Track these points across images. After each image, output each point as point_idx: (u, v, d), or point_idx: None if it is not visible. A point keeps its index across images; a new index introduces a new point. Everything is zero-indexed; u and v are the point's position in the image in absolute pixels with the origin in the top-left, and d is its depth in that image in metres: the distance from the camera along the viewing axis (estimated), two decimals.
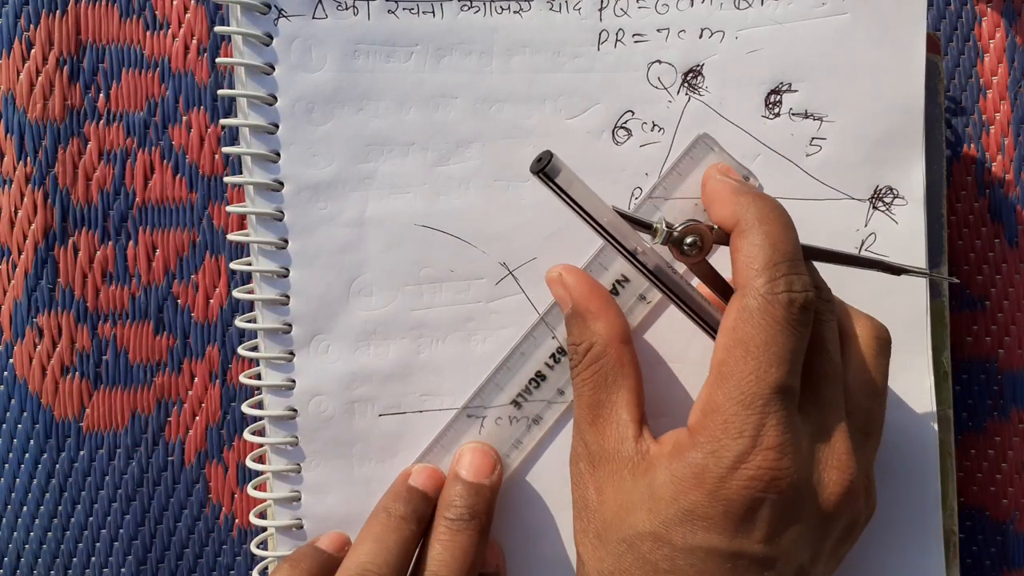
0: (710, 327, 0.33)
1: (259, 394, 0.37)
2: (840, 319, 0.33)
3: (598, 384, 0.33)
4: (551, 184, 0.31)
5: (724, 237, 0.32)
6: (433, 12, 0.36)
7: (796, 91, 0.37)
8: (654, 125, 0.37)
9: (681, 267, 0.34)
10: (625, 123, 0.37)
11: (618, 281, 0.36)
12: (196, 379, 0.42)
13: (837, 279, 0.36)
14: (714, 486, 0.29)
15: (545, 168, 0.30)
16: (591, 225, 0.32)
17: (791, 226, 0.31)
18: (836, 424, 0.31)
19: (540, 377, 0.36)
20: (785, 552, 0.29)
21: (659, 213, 0.36)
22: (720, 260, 0.33)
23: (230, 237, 0.37)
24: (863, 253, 0.37)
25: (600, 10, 0.37)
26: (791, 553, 0.29)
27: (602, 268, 0.36)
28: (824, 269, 0.36)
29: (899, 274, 0.35)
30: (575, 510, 0.33)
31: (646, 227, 0.32)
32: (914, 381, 0.37)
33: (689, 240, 0.32)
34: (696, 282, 0.34)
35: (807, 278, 0.30)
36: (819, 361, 0.31)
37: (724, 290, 0.33)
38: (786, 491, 0.29)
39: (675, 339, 0.36)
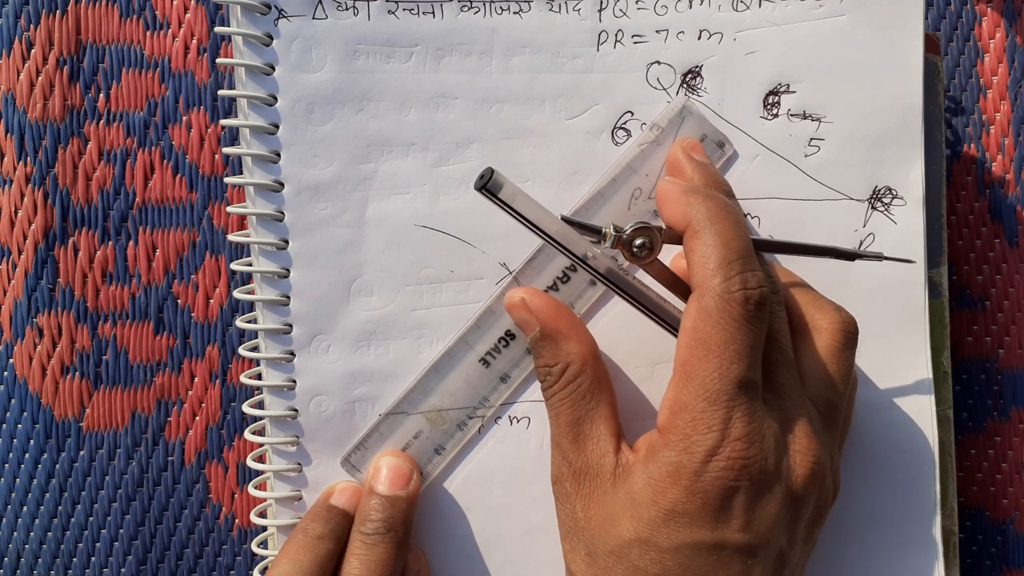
0: (667, 324, 0.34)
1: (259, 394, 0.37)
2: (806, 309, 0.34)
3: (577, 402, 0.33)
4: (495, 199, 0.31)
5: (674, 237, 0.33)
6: (433, 13, 0.36)
7: (794, 92, 0.37)
8: (654, 126, 0.37)
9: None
10: (624, 124, 0.37)
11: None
12: (196, 379, 0.42)
13: (836, 278, 0.36)
14: (690, 481, 0.30)
15: (487, 184, 0.31)
16: (539, 235, 0.32)
17: (742, 223, 0.32)
18: (796, 410, 0.32)
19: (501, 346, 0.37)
20: (764, 538, 0.30)
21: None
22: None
23: (231, 238, 0.37)
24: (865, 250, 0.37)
25: (599, 11, 0.37)
26: (769, 538, 0.30)
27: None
28: (824, 269, 0.36)
29: (852, 259, 0.35)
30: (563, 530, 0.33)
31: (595, 232, 0.33)
32: (914, 381, 0.37)
33: (638, 242, 0.32)
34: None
35: (761, 273, 0.31)
36: (771, 351, 0.32)
37: (679, 288, 0.34)
38: (756, 477, 0.30)
39: (658, 342, 0.36)
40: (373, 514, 0.35)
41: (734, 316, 0.30)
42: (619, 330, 0.37)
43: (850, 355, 0.34)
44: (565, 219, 0.33)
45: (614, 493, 0.31)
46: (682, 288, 0.33)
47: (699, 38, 0.37)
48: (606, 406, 0.33)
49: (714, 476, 0.30)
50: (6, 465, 0.42)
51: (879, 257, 0.36)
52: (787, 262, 0.36)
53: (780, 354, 0.32)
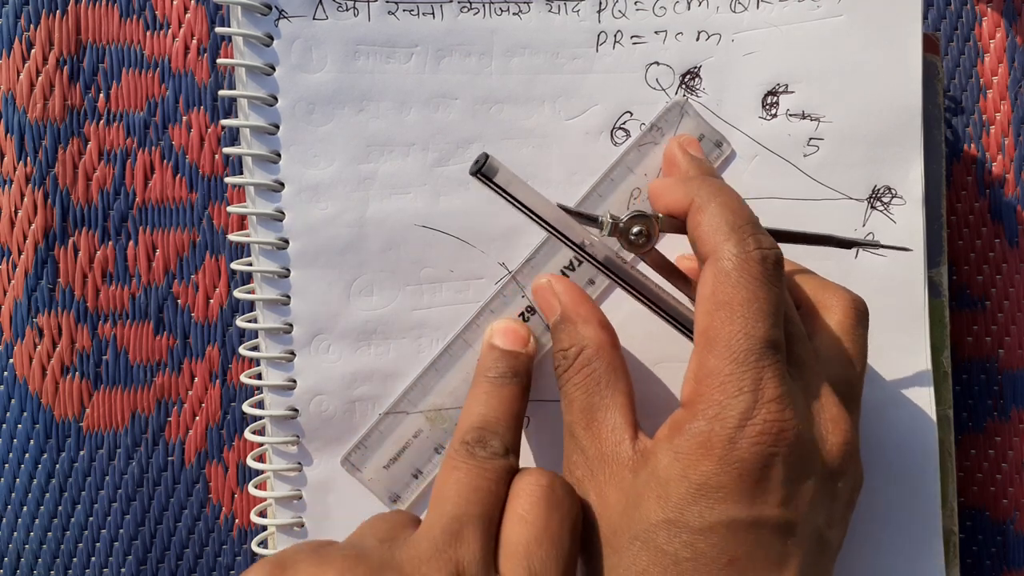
0: (666, 313, 0.33)
1: (259, 394, 0.37)
2: (814, 292, 0.33)
3: (591, 388, 0.32)
4: (490, 184, 0.31)
5: (672, 226, 0.32)
6: (433, 13, 0.36)
7: (793, 92, 0.37)
8: (652, 126, 0.37)
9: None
10: (624, 124, 0.37)
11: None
12: (196, 379, 0.42)
13: (836, 278, 0.36)
14: (724, 450, 0.28)
15: (482, 168, 0.31)
16: (536, 221, 0.32)
17: (743, 200, 0.31)
18: (819, 382, 0.30)
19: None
20: (803, 515, 0.28)
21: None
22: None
23: (231, 237, 0.37)
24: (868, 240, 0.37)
25: (599, 12, 0.37)
26: (808, 516, 0.29)
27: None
28: (824, 269, 0.36)
29: (851, 247, 0.35)
30: None
31: (591, 220, 0.33)
32: (914, 381, 0.37)
33: (635, 230, 0.32)
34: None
35: (771, 237, 0.30)
36: (785, 326, 0.31)
37: (677, 276, 0.34)
38: (794, 444, 0.28)
39: (657, 341, 0.36)
40: (498, 364, 0.34)
41: (754, 275, 0.29)
42: (618, 329, 0.37)
43: (864, 333, 0.33)
44: (562, 207, 0.33)
45: (634, 478, 0.30)
46: (680, 276, 0.33)
47: (697, 39, 0.37)
48: (622, 395, 0.32)
49: (750, 442, 0.28)
50: (6, 465, 0.42)
51: (876, 245, 0.35)
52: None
53: (794, 328, 0.31)
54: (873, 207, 0.37)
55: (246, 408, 0.37)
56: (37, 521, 0.42)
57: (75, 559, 0.42)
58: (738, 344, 0.28)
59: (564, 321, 0.33)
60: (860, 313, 0.33)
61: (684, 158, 0.35)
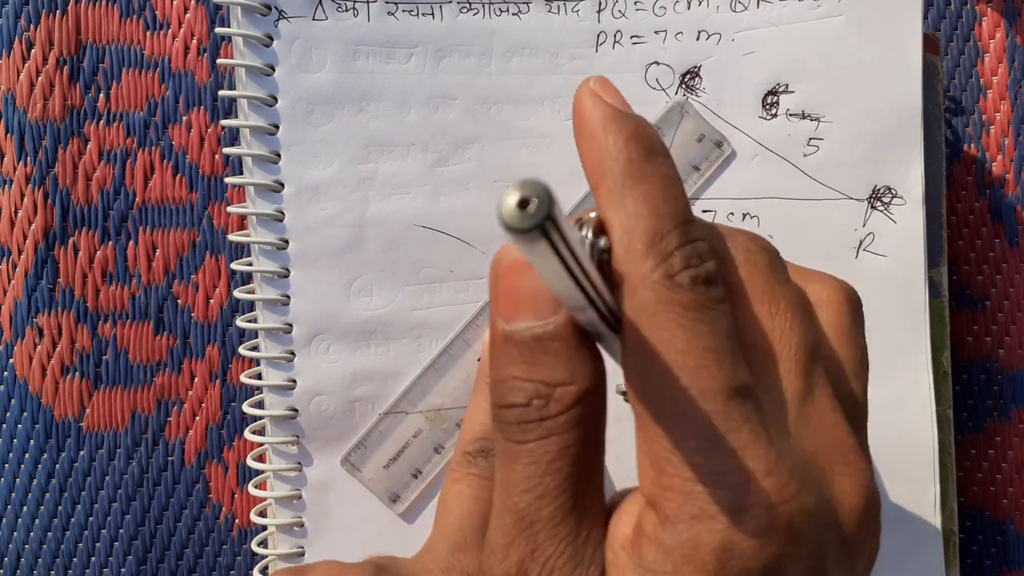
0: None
1: (259, 394, 0.37)
2: (796, 279, 0.25)
3: (553, 473, 0.22)
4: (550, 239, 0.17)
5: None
6: (432, 14, 0.36)
7: (793, 92, 0.37)
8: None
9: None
10: None
11: None
12: (196, 379, 0.42)
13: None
14: (719, 561, 0.20)
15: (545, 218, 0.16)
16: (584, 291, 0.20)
17: (673, 177, 0.22)
18: (819, 408, 0.22)
19: None
20: None
21: None
22: None
23: (231, 238, 0.37)
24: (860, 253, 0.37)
25: (598, 12, 0.37)
26: None
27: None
28: (825, 268, 0.36)
29: None
30: None
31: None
32: (914, 381, 0.37)
33: (603, 244, 0.23)
34: None
35: (703, 242, 0.22)
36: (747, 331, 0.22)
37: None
38: (806, 528, 0.21)
39: None
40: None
41: (686, 306, 0.21)
42: None
43: (862, 333, 0.25)
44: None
45: None
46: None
47: (697, 39, 0.37)
48: (598, 493, 0.23)
49: (755, 544, 0.20)
50: (6, 465, 0.42)
51: None
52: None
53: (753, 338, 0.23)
54: (873, 207, 0.37)
55: (246, 408, 0.37)
56: (37, 521, 0.42)
57: (75, 559, 0.42)
58: (694, 411, 0.20)
59: (555, 339, 0.21)
60: (855, 307, 0.25)
61: (594, 105, 0.23)
